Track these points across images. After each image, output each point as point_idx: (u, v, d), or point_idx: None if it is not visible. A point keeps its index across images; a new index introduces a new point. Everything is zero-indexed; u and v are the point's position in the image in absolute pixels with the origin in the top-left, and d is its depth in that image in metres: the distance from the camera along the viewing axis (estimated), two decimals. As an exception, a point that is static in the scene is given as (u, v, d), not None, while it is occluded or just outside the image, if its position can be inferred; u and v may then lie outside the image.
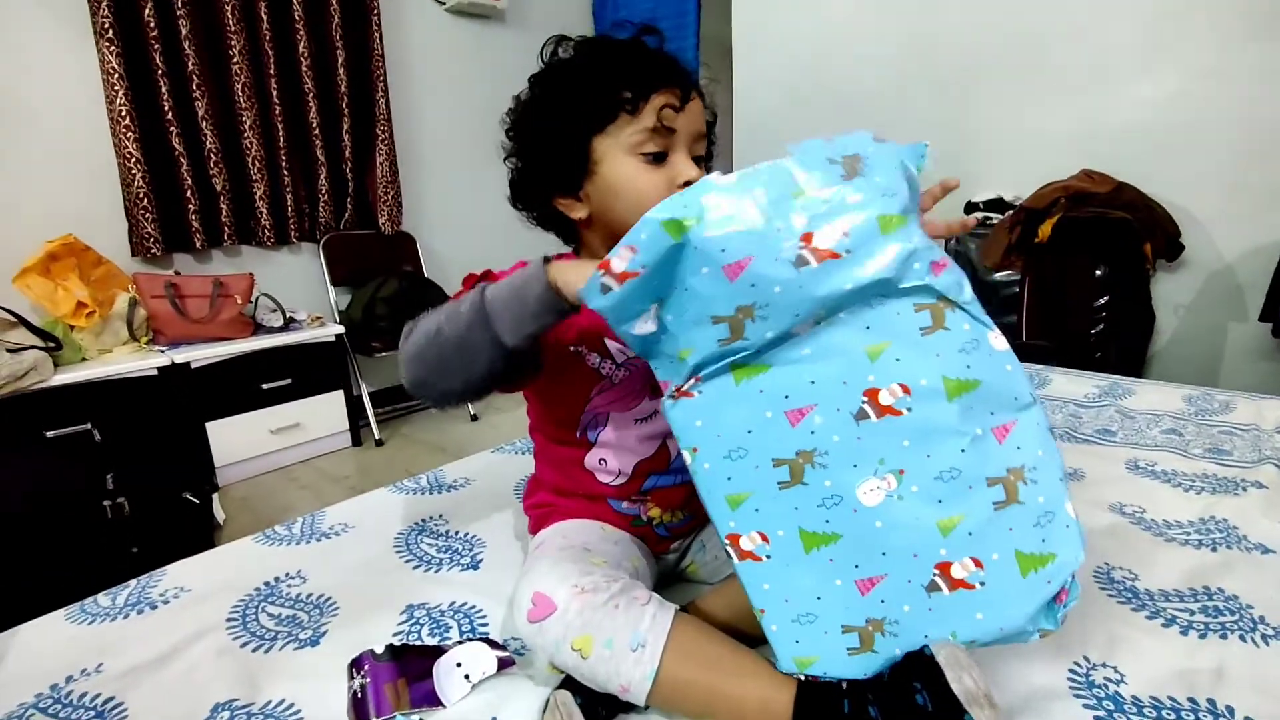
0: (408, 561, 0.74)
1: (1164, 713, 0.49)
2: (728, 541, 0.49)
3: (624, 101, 0.58)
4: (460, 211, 2.94)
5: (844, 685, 0.48)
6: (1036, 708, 0.50)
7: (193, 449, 1.96)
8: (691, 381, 0.47)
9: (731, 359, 0.46)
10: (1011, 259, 2.10)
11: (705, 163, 0.67)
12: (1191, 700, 0.50)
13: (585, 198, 0.63)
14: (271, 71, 2.25)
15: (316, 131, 2.39)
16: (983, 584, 0.45)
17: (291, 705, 0.53)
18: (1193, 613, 0.60)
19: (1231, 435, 1.01)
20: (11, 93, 1.88)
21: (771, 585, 0.47)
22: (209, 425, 2.02)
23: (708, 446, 0.47)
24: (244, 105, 2.20)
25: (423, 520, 0.83)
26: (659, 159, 0.60)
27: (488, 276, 0.61)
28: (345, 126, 2.46)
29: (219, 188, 2.18)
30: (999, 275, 2.15)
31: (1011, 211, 2.11)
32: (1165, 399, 1.17)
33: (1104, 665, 0.54)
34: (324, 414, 2.29)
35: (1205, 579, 0.65)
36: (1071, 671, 0.53)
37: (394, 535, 0.80)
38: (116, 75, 1.94)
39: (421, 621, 0.63)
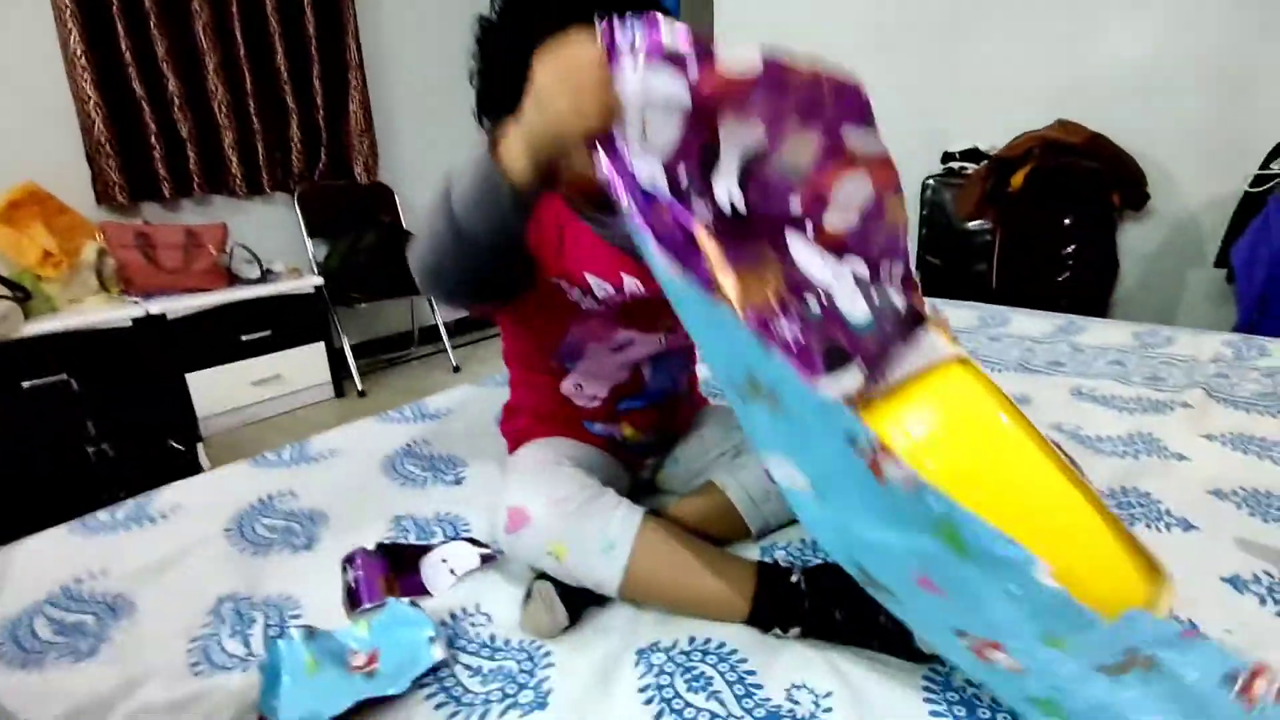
0: (393, 480, 0.78)
1: (1073, 584, 0.56)
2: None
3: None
4: (439, 163, 2.88)
5: (798, 566, 0.54)
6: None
7: (174, 399, 1.97)
8: None
9: None
10: (984, 209, 2.15)
11: None
12: (1098, 574, 0.57)
13: None
14: (234, 10, 2.17)
15: (285, 77, 2.33)
16: None
17: (290, 596, 0.58)
18: (1110, 508, 0.66)
19: (1170, 365, 1.07)
20: (-39, 30, 1.80)
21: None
22: (189, 376, 2.03)
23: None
24: (207, 47, 2.13)
25: (407, 445, 0.87)
26: None
27: None
28: (316, 72, 2.39)
29: (185, 134, 2.13)
30: (971, 225, 2.19)
31: (986, 162, 2.15)
32: (1114, 335, 1.24)
33: (1027, 551, 0.60)
34: (305, 366, 2.30)
35: (1125, 481, 0.71)
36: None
37: (380, 458, 0.84)
38: (69, 11, 1.87)
39: (409, 528, 0.67)
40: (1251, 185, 1.69)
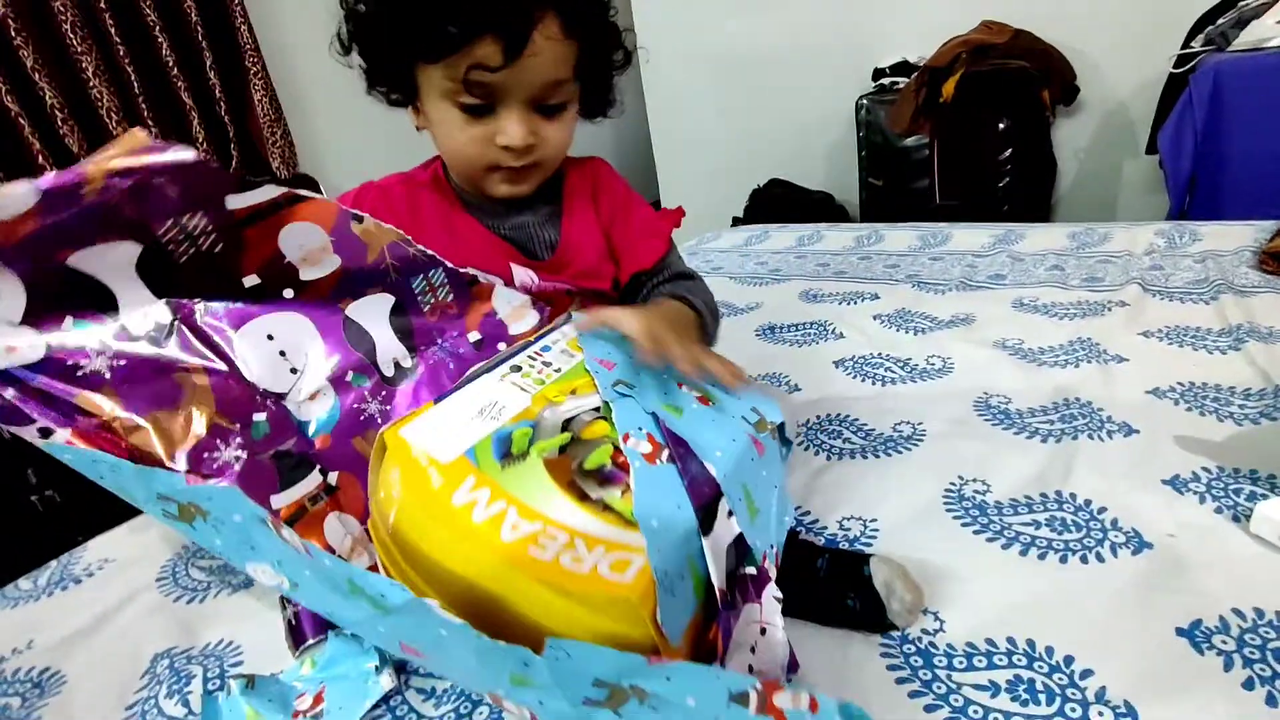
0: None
1: (1019, 509, 0.56)
2: None
3: (438, 44, 0.49)
4: (365, 143, 2.74)
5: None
6: (917, 521, 0.56)
7: (117, 432, 1.88)
8: None
9: None
10: (919, 122, 2.11)
11: (594, 103, 0.60)
12: (1043, 494, 0.57)
13: (423, 113, 0.57)
14: (103, 5, 1.98)
15: (175, 72, 2.15)
16: None
17: (231, 643, 0.55)
18: (1053, 422, 0.67)
19: (1107, 264, 1.08)
20: None
21: None
22: (131, 406, 1.94)
23: None
24: (80, 49, 1.95)
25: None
26: (483, 111, 0.52)
27: None
28: (208, 63, 2.22)
29: (76, 149, 1.97)
30: (910, 142, 2.16)
31: (916, 73, 2.10)
32: (1052, 239, 1.24)
33: (974, 480, 0.60)
34: (254, 377, 2.21)
35: (1067, 392, 0.71)
36: (946, 491, 0.60)
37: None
38: (-86, 30, 1.68)
39: (353, 548, 0.65)
40: (1175, 66, 1.68)
